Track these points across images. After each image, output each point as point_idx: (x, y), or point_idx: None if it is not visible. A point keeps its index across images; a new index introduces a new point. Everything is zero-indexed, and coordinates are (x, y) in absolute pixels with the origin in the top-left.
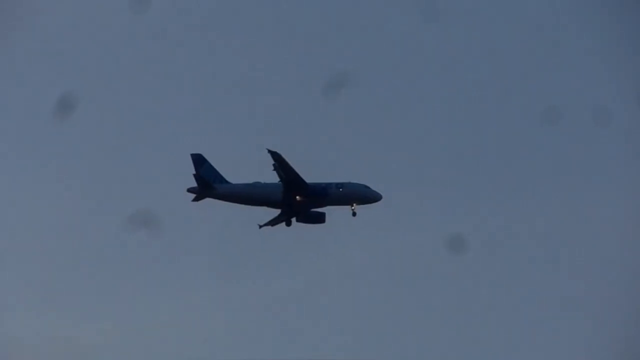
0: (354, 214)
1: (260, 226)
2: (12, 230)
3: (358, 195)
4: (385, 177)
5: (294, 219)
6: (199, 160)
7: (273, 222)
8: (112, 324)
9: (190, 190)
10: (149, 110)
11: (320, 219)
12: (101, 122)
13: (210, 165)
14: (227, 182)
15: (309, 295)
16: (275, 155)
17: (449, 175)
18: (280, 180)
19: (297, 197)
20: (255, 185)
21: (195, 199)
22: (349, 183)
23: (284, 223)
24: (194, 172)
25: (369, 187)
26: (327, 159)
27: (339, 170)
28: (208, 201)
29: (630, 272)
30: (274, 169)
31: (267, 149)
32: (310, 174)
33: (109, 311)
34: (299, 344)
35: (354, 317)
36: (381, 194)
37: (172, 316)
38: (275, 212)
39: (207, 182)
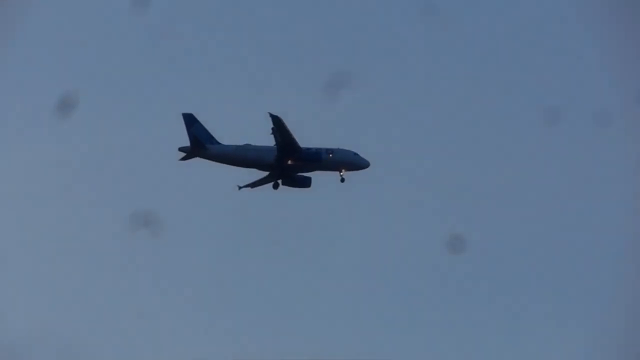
0: (343, 179)
1: (240, 187)
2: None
3: (347, 161)
4: (373, 145)
5: (280, 182)
6: (190, 120)
7: (254, 184)
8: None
9: (181, 149)
10: (140, 67)
11: (306, 183)
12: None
13: (202, 126)
14: (218, 142)
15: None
16: (275, 119)
17: (447, 181)
18: (275, 144)
19: (290, 161)
20: (247, 147)
21: (184, 158)
22: (338, 149)
23: (264, 185)
24: (186, 131)
25: (357, 154)
26: (317, 124)
27: (327, 136)
28: (196, 161)
29: (630, 272)
30: (272, 133)
31: (269, 112)
32: (300, 139)
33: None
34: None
35: (335, 285)
36: (369, 161)
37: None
38: (258, 175)
39: (201, 142)
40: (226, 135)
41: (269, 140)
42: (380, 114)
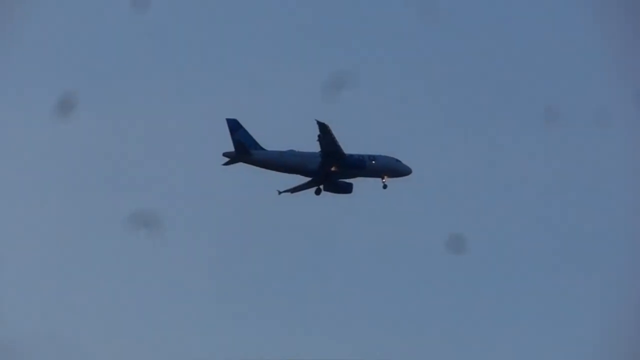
0: (385, 186)
1: (280, 192)
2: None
3: (389, 168)
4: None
5: (322, 188)
6: (234, 126)
7: (294, 190)
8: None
9: (226, 154)
10: (183, 73)
11: (347, 189)
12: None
13: (245, 131)
14: (262, 148)
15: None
16: (322, 127)
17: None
18: (320, 150)
19: (334, 167)
20: (291, 153)
21: (227, 163)
22: (380, 156)
23: (306, 191)
24: (231, 137)
25: (399, 161)
26: (355, 130)
27: (364, 143)
28: (239, 166)
29: (630, 272)
30: (318, 140)
31: (316, 119)
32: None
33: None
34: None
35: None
36: (411, 168)
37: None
38: (300, 180)
39: (246, 148)
40: (268, 141)
41: (313, 147)
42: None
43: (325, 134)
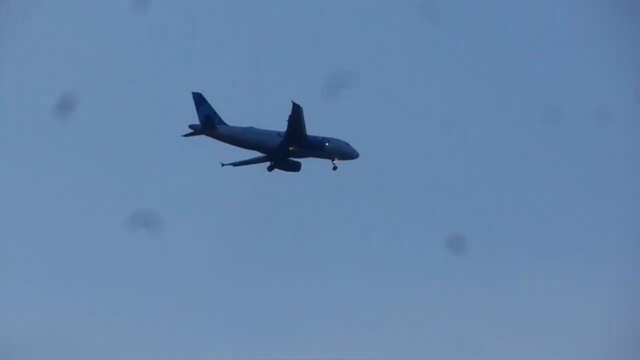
0: (335, 167)
1: (223, 165)
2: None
3: (340, 151)
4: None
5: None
6: (199, 100)
7: (237, 164)
8: None
9: (192, 126)
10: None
11: (296, 167)
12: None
13: (209, 105)
14: (224, 123)
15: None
16: (296, 108)
17: (447, 178)
18: (287, 130)
19: (293, 147)
20: (252, 130)
21: (188, 135)
22: (332, 138)
23: (253, 166)
24: (196, 110)
25: (349, 144)
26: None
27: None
28: (199, 139)
29: (630, 272)
30: (288, 120)
31: (292, 101)
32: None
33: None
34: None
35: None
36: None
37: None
38: (244, 155)
39: (213, 122)
40: (227, 117)
41: (272, 125)
42: (378, 110)
43: (297, 115)
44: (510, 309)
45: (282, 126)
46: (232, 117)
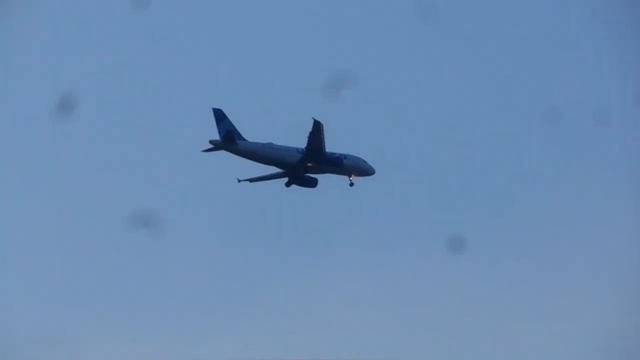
0: (352, 184)
1: (240, 180)
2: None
3: (357, 167)
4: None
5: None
6: (219, 116)
7: (254, 180)
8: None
9: (212, 141)
10: (169, 65)
11: (314, 183)
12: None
13: (230, 122)
14: (244, 139)
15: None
16: (317, 125)
17: (447, 178)
18: (307, 146)
19: (311, 163)
20: (271, 145)
21: (207, 150)
22: (350, 155)
23: (271, 182)
24: (217, 126)
25: (366, 161)
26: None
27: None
28: (219, 154)
29: (630, 272)
30: (309, 136)
31: (313, 118)
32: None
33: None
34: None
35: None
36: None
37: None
38: (261, 170)
39: (233, 137)
40: (246, 133)
41: (290, 141)
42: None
43: (317, 132)
44: (514, 309)
45: (300, 142)
46: (250, 132)
